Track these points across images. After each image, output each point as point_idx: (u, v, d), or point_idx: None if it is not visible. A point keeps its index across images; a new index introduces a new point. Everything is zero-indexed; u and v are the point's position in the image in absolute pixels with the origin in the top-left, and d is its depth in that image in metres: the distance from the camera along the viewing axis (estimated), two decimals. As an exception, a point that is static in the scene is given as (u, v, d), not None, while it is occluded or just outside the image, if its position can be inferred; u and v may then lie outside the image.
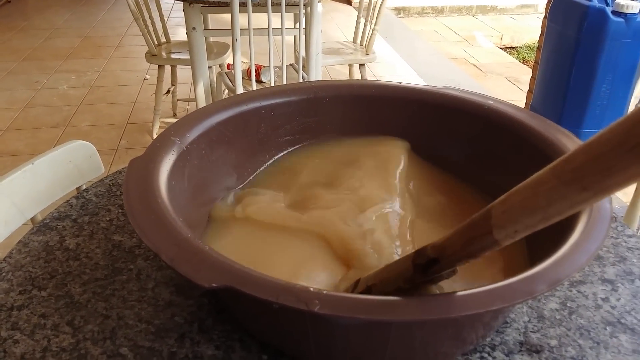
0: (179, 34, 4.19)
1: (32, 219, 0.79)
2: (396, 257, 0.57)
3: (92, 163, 0.84)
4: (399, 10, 5.61)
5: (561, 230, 0.52)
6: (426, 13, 5.72)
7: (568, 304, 0.60)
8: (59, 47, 3.96)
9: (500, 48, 4.60)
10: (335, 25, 4.65)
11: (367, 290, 0.48)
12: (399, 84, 0.82)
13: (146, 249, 0.67)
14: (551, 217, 0.33)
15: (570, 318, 0.58)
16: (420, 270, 0.42)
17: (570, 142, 0.64)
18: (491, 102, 0.73)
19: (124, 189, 0.52)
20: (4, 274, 0.63)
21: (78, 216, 0.73)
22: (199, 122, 0.69)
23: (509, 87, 3.56)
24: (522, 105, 2.60)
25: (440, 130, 0.77)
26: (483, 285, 0.42)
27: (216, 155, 0.70)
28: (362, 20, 2.73)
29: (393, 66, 3.72)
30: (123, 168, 0.85)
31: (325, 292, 0.41)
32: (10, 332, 0.55)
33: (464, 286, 0.43)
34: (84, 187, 0.87)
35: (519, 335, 0.56)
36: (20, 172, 0.74)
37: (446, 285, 0.46)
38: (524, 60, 4.27)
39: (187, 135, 0.66)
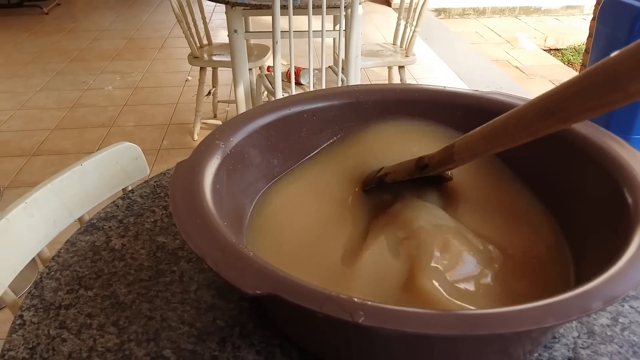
0: (221, 36, 4.26)
1: (80, 219, 0.81)
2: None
3: (137, 164, 0.86)
4: (439, 11, 5.54)
5: (614, 245, 0.50)
6: (467, 14, 5.62)
7: (620, 320, 0.58)
8: (104, 48, 4.08)
9: (544, 50, 4.48)
10: (374, 27, 4.63)
11: (385, 175, 0.68)
12: (442, 88, 0.80)
13: (189, 251, 0.68)
14: (490, 148, 0.56)
15: (622, 335, 0.56)
16: (419, 169, 0.64)
17: (621, 149, 0.62)
18: (540, 108, 0.71)
19: (170, 192, 0.53)
20: (52, 273, 0.65)
21: (124, 217, 0.75)
22: (242, 126, 0.69)
23: (553, 90, 3.46)
24: (568, 109, 2.52)
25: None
26: (532, 301, 0.41)
27: (259, 159, 0.70)
28: (402, 22, 2.70)
29: (433, 68, 3.68)
30: (167, 170, 0.87)
31: (369, 302, 0.40)
32: (58, 330, 0.56)
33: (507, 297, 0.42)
34: (130, 188, 0.89)
35: (568, 351, 0.54)
36: (69, 173, 0.76)
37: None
38: (569, 63, 4.15)
39: (231, 139, 0.66)
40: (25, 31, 4.53)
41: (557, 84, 0.46)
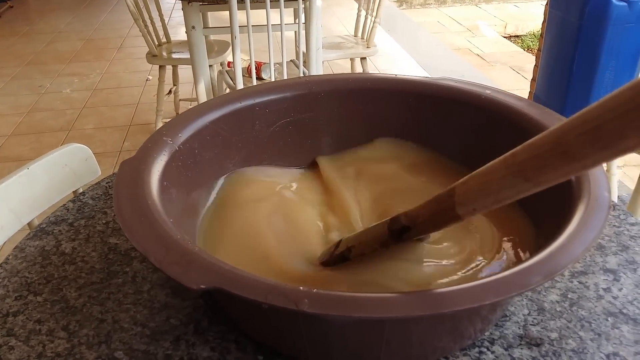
0: (180, 33, 4.18)
1: (29, 224, 0.78)
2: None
3: (88, 166, 0.84)
4: (401, 1, 5.57)
5: (560, 221, 0.51)
6: (428, 4, 5.67)
7: (569, 296, 0.59)
8: (61, 50, 3.97)
9: (504, 37, 4.56)
10: (336, 19, 4.63)
11: (348, 251, 0.53)
12: (394, 76, 0.81)
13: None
14: (502, 200, 0.39)
15: (571, 310, 0.57)
16: (395, 235, 0.48)
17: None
18: (488, 92, 0.72)
19: (114, 192, 0.51)
20: (0, 280, 0.63)
21: (74, 220, 0.73)
22: (191, 122, 0.68)
23: (513, 76, 3.52)
24: (526, 94, 2.58)
25: (438, 122, 0.76)
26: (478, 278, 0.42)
27: (210, 154, 0.69)
28: (363, 13, 2.71)
29: (395, 59, 3.70)
30: (120, 170, 0.85)
31: (315, 290, 0.40)
32: (5, 338, 0.55)
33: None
34: (81, 190, 0.87)
35: (519, 328, 0.55)
36: (16, 177, 0.74)
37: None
38: (529, 49, 4.23)
39: (180, 135, 0.65)
40: (-24, 35, 4.38)
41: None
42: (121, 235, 0.70)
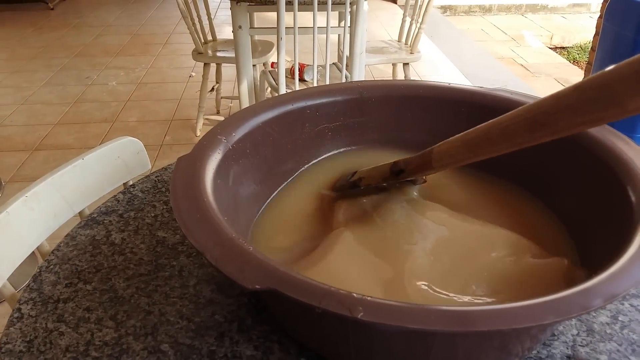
0: (225, 32, 4.25)
1: (80, 213, 0.81)
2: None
3: (139, 159, 0.86)
4: (445, 8, 5.52)
5: (617, 243, 0.49)
6: (473, 12, 5.60)
7: (620, 318, 0.57)
8: (109, 44, 4.08)
9: (549, 48, 4.46)
10: (379, 24, 4.61)
11: (359, 180, 0.66)
12: (447, 84, 0.80)
13: (189, 245, 0.68)
14: (460, 160, 0.55)
15: (622, 333, 0.55)
16: (394, 175, 0.62)
17: (626, 147, 0.61)
18: (544, 105, 0.71)
19: (171, 187, 0.52)
20: (51, 267, 0.65)
21: (124, 211, 0.75)
22: (244, 122, 0.69)
23: (558, 88, 3.43)
24: (573, 108, 2.51)
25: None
26: (535, 297, 0.41)
27: (261, 154, 0.70)
28: (408, 19, 2.69)
29: (437, 66, 3.66)
30: (169, 165, 0.87)
31: (369, 298, 0.40)
32: (56, 324, 0.56)
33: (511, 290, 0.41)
34: (131, 182, 0.88)
35: (567, 349, 0.54)
36: (71, 167, 0.76)
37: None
38: (575, 61, 4.13)
39: (233, 134, 0.66)
40: (30, 26, 4.54)
41: (563, 83, 0.44)
42: (169, 228, 0.71)
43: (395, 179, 0.63)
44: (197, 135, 2.65)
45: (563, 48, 4.57)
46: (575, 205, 0.64)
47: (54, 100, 3.07)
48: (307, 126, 0.77)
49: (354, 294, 0.40)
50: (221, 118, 2.81)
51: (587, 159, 0.63)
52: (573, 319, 0.57)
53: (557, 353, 0.53)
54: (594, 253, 0.56)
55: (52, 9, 5.08)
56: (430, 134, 0.79)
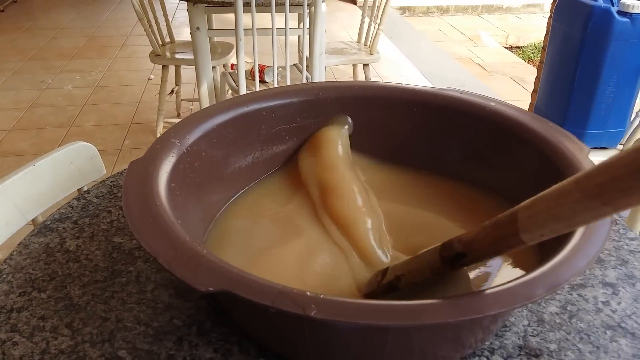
0: (184, 33, 4.20)
1: (33, 221, 0.79)
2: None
3: (93, 164, 0.85)
4: (403, 9, 5.60)
5: (562, 236, 0.51)
6: (431, 12, 5.70)
7: (568, 308, 0.60)
8: (64, 46, 3.98)
9: (505, 48, 4.58)
10: (339, 25, 4.64)
11: (396, 280, 0.51)
12: (400, 85, 0.81)
13: (146, 251, 0.67)
14: (575, 225, 0.37)
15: (571, 322, 0.58)
16: (448, 262, 0.46)
17: (572, 145, 0.64)
18: (493, 104, 0.73)
19: (123, 192, 0.52)
20: (4, 276, 0.63)
21: (79, 218, 0.73)
22: (199, 124, 0.69)
23: (514, 87, 3.54)
24: (527, 106, 2.59)
25: (442, 132, 0.77)
26: (482, 288, 0.42)
27: (217, 157, 0.70)
28: (367, 20, 2.72)
29: (397, 66, 3.72)
30: (125, 169, 0.86)
31: (322, 296, 0.41)
32: (9, 334, 0.55)
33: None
34: (85, 188, 0.87)
35: (519, 339, 0.56)
36: (22, 174, 0.74)
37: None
38: (530, 60, 4.26)
39: (188, 137, 0.66)
40: (-21, 29, 4.38)
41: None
42: (125, 234, 0.70)
43: (452, 268, 0.47)
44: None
45: (518, 47, 4.70)
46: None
47: (7, 105, 2.97)
48: (264, 128, 0.77)
49: (307, 293, 0.40)
50: (182, 121, 2.78)
51: (536, 156, 0.65)
52: (524, 311, 0.59)
53: (509, 344, 0.55)
54: (549, 248, 0.59)
55: (2, 10, 4.91)
56: (384, 134, 0.81)
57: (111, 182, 0.82)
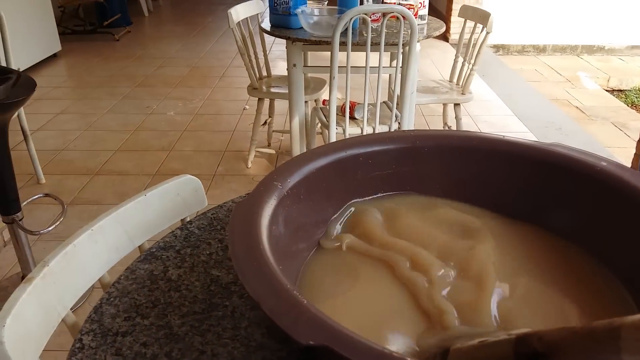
0: (279, 66, 4.38)
1: (140, 247, 0.84)
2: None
3: (197, 196, 0.90)
4: (497, 47, 5.50)
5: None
6: (527, 51, 5.55)
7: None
8: (169, 75, 4.28)
9: (606, 91, 4.35)
10: (430, 62, 4.63)
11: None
12: (502, 137, 0.80)
13: (242, 286, 0.69)
14: None
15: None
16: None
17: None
18: (604, 164, 0.70)
19: (229, 234, 0.55)
20: (112, 299, 0.68)
21: (181, 247, 0.78)
22: (299, 168, 0.71)
23: (615, 133, 3.34)
24: (630, 156, 2.43)
25: (546, 188, 0.74)
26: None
27: (313, 200, 0.72)
28: (460, 59, 2.70)
29: (489, 106, 3.63)
30: (224, 202, 0.90)
31: (420, 361, 0.40)
32: (114, 357, 0.59)
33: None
34: (188, 219, 0.92)
35: None
36: (134, 203, 0.80)
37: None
38: (633, 105, 4.01)
39: (289, 180, 0.68)
40: (97, 56, 4.82)
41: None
42: (222, 267, 0.73)
43: None
44: (249, 167, 2.72)
45: (621, 91, 4.45)
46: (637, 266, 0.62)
47: (116, 127, 3.23)
48: (359, 173, 0.78)
49: (407, 359, 0.40)
50: (272, 151, 2.88)
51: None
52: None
53: None
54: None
55: (118, 40, 5.38)
56: (484, 186, 0.79)
57: (212, 214, 0.86)
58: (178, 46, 5.23)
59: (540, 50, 5.53)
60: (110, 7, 5.53)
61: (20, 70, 4.08)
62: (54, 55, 4.68)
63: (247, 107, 3.51)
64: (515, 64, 5.03)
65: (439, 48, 5.14)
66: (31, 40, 4.29)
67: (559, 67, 4.96)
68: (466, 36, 2.60)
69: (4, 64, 2.24)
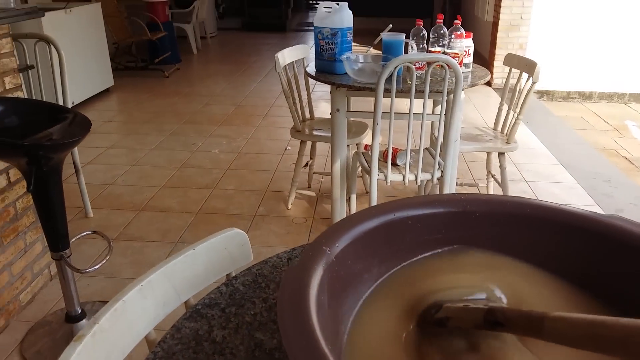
0: (321, 106, 4.45)
1: (186, 303, 0.85)
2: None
3: (243, 251, 0.90)
4: (542, 93, 5.43)
5: None
6: (572, 98, 5.46)
7: None
8: (215, 113, 4.40)
9: (658, 141, 4.21)
10: (473, 107, 4.61)
11: (445, 319, 0.60)
12: (557, 205, 0.78)
13: (285, 353, 0.69)
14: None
15: None
16: (488, 325, 0.55)
17: None
18: (667, 242, 0.66)
19: (279, 306, 0.54)
20: None
21: (226, 306, 0.78)
22: (347, 231, 0.71)
23: (668, 186, 3.21)
24: (687, 212, 2.32)
25: (603, 262, 0.71)
26: None
27: (359, 266, 0.71)
28: (505, 107, 2.67)
29: (534, 154, 3.57)
30: (269, 258, 0.90)
31: None
32: (159, 422, 0.59)
33: None
34: (234, 274, 0.92)
35: None
36: (183, 257, 0.81)
37: None
38: (687, 157, 3.85)
39: (337, 244, 0.68)
40: (147, 92, 5.01)
41: None
42: (267, 330, 0.73)
43: (490, 330, 0.56)
44: (289, 208, 2.73)
45: (674, 141, 4.29)
46: None
47: (162, 163, 3.32)
48: (408, 237, 0.77)
49: None
50: (312, 193, 2.89)
51: None
52: None
53: None
54: None
55: (167, 77, 5.59)
56: (535, 255, 0.77)
57: (256, 270, 0.87)
58: (224, 84, 5.39)
59: (586, 97, 5.43)
60: (161, 45, 5.78)
61: (75, 103, 4.27)
62: (107, 90, 4.89)
63: (289, 148, 3.56)
64: (560, 111, 4.95)
65: (482, 92, 5.12)
66: (87, 75, 4.51)
67: (606, 115, 4.85)
68: (511, 81, 2.58)
69: (60, 101, 2.35)
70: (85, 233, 1.88)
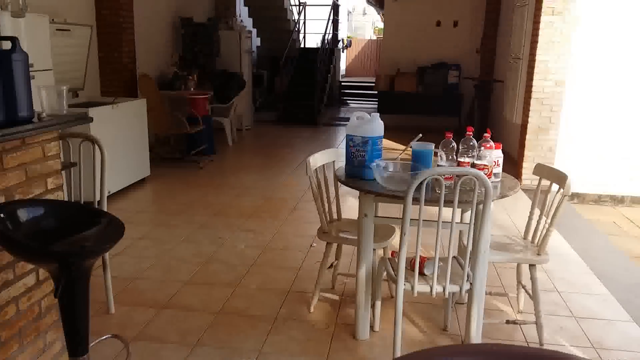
0: (348, 201, 4.47)
1: None
2: None
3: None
4: (572, 196, 5.37)
5: None
6: (603, 201, 5.38)
7: None
8: (244, 205, 4.47)
9: (697, 251, 4.05)
10: (502, 208, 4.57)
11: None
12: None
13: None
14: None
15: None
16: None
17: None
18: None
19: None
20: None
21: None
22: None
23: None
24: None
25: None
26: None
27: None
28: (535, 216, 2.63)
29: (565, 260, 3.47)
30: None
31: None
32: None
33: None
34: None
35: None
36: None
37: None
38: None
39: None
40: (181, 183, 5.16)
41: None
42: None
43: None
44: (311, 311, 2.68)
45: None
46: None
47: (188, 257, 3.34)
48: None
49: None
50: (336, 297, 2.83)
51: None
52: None
53: None
54: None
55: (202, 168, 5.77)
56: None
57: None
58: (255, 176, 5.52)
59: (618, 201, 5.34)
60: (199, 137, 6.01)
61: (111, 192, 4.40)
62: (142, 179, 5.05)
63: (314, 244, 3.56)
64: (592, 215, 4.86)
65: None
66: (125, 165, 4.69)
67: (639, 221, 4.73)
68: (543, 183, 2.55)
69: (97, 197, 2.43)
70: (105, 337, 1.86)
